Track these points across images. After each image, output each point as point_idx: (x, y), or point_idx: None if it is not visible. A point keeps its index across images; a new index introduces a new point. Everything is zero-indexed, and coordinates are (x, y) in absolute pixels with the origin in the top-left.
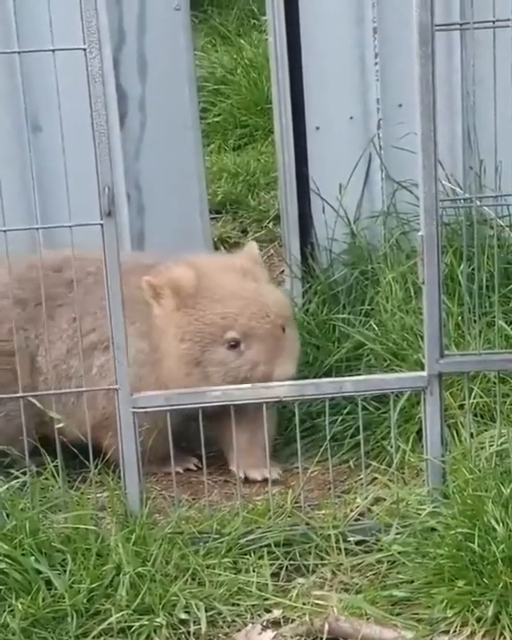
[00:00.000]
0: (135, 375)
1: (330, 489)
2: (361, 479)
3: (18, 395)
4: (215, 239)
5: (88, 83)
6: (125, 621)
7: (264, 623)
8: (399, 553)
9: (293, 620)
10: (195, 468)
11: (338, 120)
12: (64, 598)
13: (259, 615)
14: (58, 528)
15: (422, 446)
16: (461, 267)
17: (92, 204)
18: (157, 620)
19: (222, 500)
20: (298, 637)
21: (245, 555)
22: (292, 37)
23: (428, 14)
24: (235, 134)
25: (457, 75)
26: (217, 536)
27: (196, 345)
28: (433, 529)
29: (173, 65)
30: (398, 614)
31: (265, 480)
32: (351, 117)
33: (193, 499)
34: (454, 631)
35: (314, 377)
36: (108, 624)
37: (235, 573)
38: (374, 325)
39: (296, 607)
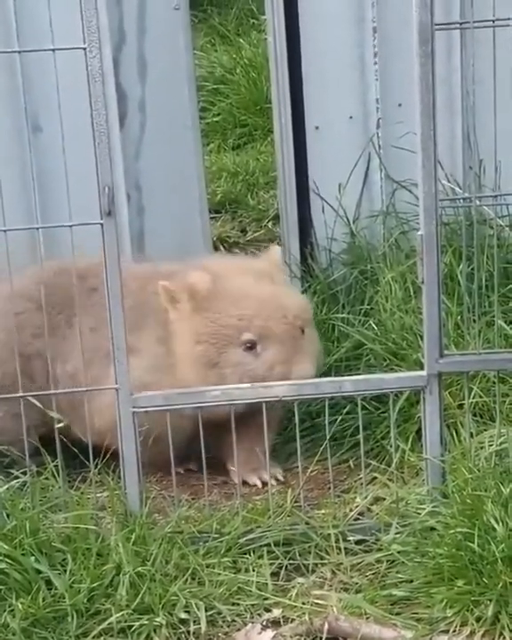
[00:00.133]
0: (152, 381)
1: (329, 488)
2: (360, 479)
3: (18, 395)
4: (214, 239)
5: (88, 82)
6: (125, 621)
7: (264, 623)
8: (399, 552)
9: (293, 620)
10: (194, 469)
11: (337, 120)
12: (64, 598)
13: (258, 615)
14: (58, 528)
15: (422, 446)
16: (461, 266)
17: (92, 203)
18: (157, 619)
19: (222, 499)
20: (297, 637)
21: (245, 554)
22: (292, 37)
23: (428, 14)
24: (234, 134)
25: (457, 74)
26: (217, 536)
27: (212, 347)
28: (432, 528)
29: (173, 65)
30: (398, 614)
31: (265, 484)
32: (351, 117)
33: (192, 498)
34: (454, 631)
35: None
36: (108, 624)
37: (234, 573)
38: (374, 325)
39: (296, 607)
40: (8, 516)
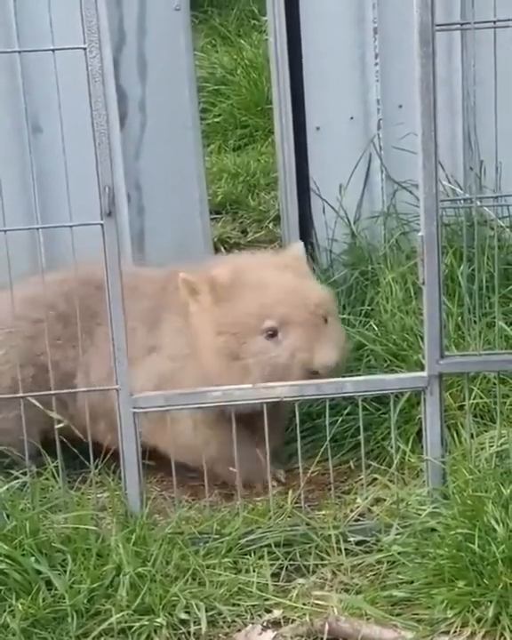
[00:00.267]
0: (174, 372)
1: (330, 489)
2: (361, 479)
3: (18, 395)
4: (215, 240)
5: (88, 83)
6: (126, 622)
7: (264, 623)
8: (399, 553)
9: (293, 621)
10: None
11: (338, 120)
12: (64, 599)
13: (259, 615)
14: (58, 528)
15: (422, 447)
16: (461, 267)
17: (92, 204)
18: (158, 620)
19: (222, 500)
20: (298, 638)
21: (245, 555)
22: (293, 38)
23: (429, 14)
24: (235, 135)
25: (457, 75)
26: (217, 536)
27: (234, 337)
28: (433, 529)
29: (173, 65)
30: (398, 615)
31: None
32: (351, 118)
33: (193, 499)
34: (454, 632)
35: None
36: (109, 624)
37: (235, 573)
38: (374, 326)
39: (296, 607)
40: (8, 516)
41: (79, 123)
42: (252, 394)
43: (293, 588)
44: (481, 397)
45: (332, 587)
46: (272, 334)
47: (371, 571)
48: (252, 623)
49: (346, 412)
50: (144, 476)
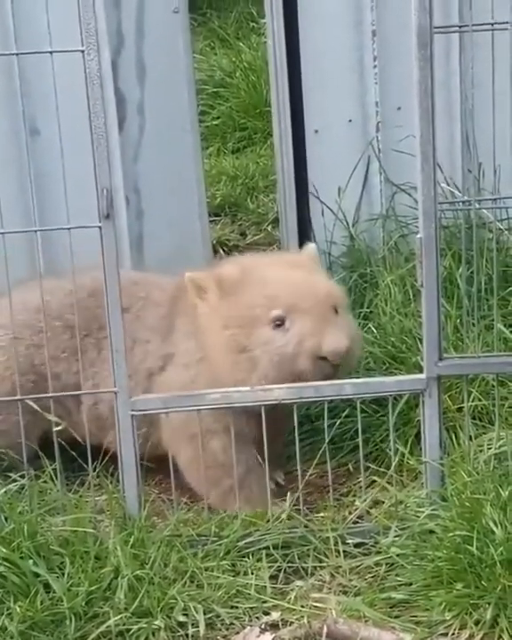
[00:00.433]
0: (188, 378)
1: (328, 492)
2: (360, 482)
3: (16, 398)
4: (214, 242)
5: (86, 85)
6: (124, 624)
7: (262, 626)
8: (398, 555)
9: (292, 623)
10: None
11: (337, 123)
12: (62, 601)
13: (257, 618)
14: (56, 531)
15: (421, 449)
16: (460, 270)
17: (90, 206)
18: (156, 622)
19: None
20: None
21: (244, 557)
22: (291, 40)
23: (427, 17)
24: (234, 137)
25: (456, 78)
26: (215, 539)
27: (241, 330)
28: (431, 531)
29: (172, 68)
30: (397, 617)
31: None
32: (350, 120)
33: (191, 501)
34: (453, 634)
35: None
36: (107, 627)
37: (233, 576)
38: (373, 328)
39: (294, 610)
40: (6, 519)
41: (77, 125)
42: (251, 396)
43: (292, 590)
44: (479, 399)
45: (330, 589)
46: (279, 324)
47: (369, 573)
48: (251, 625)
49: (344, 414)
50: (142, 478)
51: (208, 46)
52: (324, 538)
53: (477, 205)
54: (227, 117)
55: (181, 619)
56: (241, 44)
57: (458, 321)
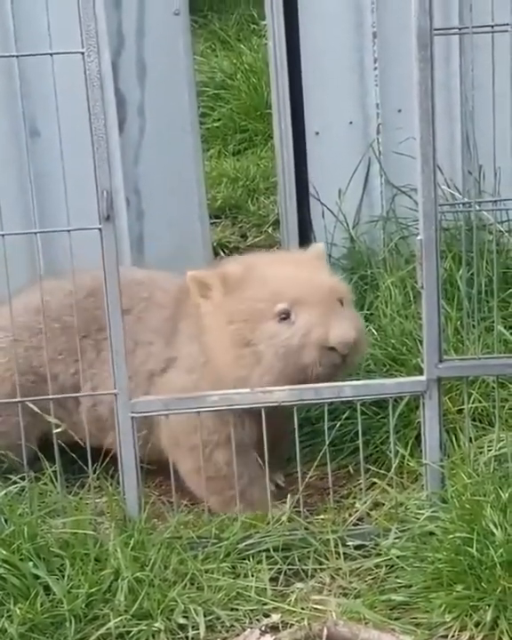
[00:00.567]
0: (191, 382)
1: (329, 494)
2: (360, 484)
3: (15, 400)
4: (215, 244)
5: (86, 86)
6: (124, 626)
7: (262, 628)
8: (398, 557)
9: (292, 625)
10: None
11: (337, 125)
12: (62, 603)
13: (257, 620)
14: (56, 533)
15: (421, 451)
16: (460, 271)
17: (90, 208)
18: (156, 625)
19: None
20: None
21: (244, 559)
22: (292, 42)
23: (427, 19)
24: (234, 139)
25: (456, 79)
26: (216, 541)
27: (246, 324)
28: (431, 533)
29: (173, 69)
30: (397, 619)
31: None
32: (350, 122)
33: (192, 503)
34: (453, 636)
35: None
36: (107, 629)
37: (233, 578)
38: (373, 330)
39: (295, 612)
40: (6, 521)
41: (77, 126)
42: (251, 398)
43: (292, 592)
44: (480, 401)
45: (330, 591)
46: (284, 317)
47: (369, 575)
48: (251, 628)
49: (345, 416)
50: (142, 480)
51: (209, 48)
52: (324, 540)
53: (478, 207)
54: (227, 119)
55: (181, 621)
56: (242, 45)
57: (458, 323)
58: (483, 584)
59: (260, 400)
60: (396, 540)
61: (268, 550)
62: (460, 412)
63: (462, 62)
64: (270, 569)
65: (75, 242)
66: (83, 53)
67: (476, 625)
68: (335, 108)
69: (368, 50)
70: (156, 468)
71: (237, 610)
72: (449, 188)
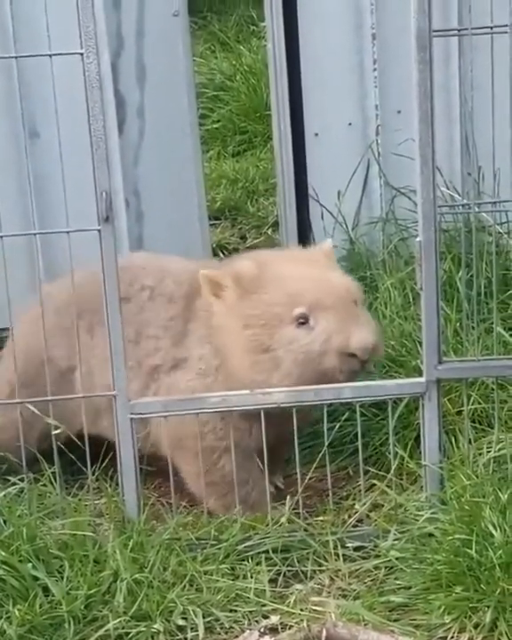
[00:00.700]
0: (202, 387)
1: (328, 495)
2: (359, 485)
3: (15, 401)
4: (214, 245)
5: (85, 88)
6: (123, 628)
7: (262, 629)
8: (397, 559)
9: (291, 627)
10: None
11: (336, 126)
12: (61, 605)
13: (256, 621)
14: (55, 534)
15: (420, 452)
16: (460, 273)
17: (89, 209)
18: (155, 626)
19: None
20: None
21: (243, 561)
22: (291, 43)
23: (426, 20)
24: (234, 141)
25: (455, 81)
26: (215, 542)
27: (262, 329)
28: (431, 535)
29: (172, 71)
30: (396, 620)
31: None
32: (350, 124)
33: (191, 505)
34: (452, 637)
35: None
36: (106, 631)
37: (232, 579)
38: None
39: (294, 613)
40: (5, 522)
41: (77, 128)
42: (251, 399)
43: (291, 593)
44: (479, 403)
45: (329, 592)
46: (303, 322)
47: (368, 576)
48: (250, 629)
49: (344, 417)
50: (141, 481)
51: (208, 49)
52: (323, 541)
53: (477, 209)
54: (227, 121)
55: (180, 622)
56: (241, 47)
57: (457, 324)
58: (482, 585)
59: (260, 401)
60: (396, 542)
61: (267, 552)
62: (459, 413)
63: (461, 64)
64: (269, 570)
65: (74, 243)
66: (82, 54)
67: (476, 626)
68: (334, 110)
69: (367, 51)
70: (155, 470)
71: (236, 611)
72: (448, 189)
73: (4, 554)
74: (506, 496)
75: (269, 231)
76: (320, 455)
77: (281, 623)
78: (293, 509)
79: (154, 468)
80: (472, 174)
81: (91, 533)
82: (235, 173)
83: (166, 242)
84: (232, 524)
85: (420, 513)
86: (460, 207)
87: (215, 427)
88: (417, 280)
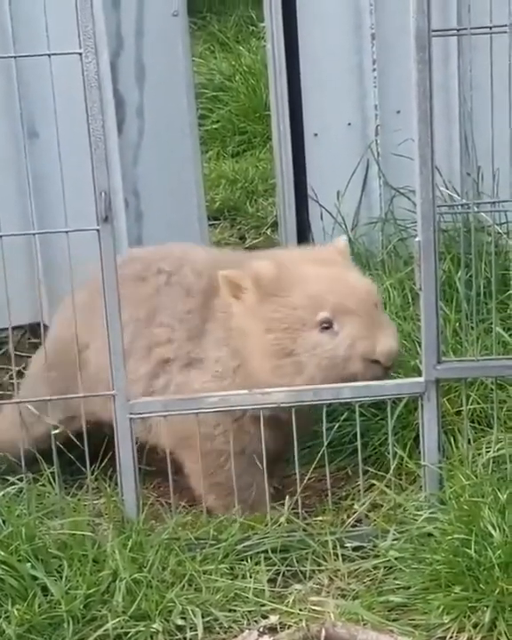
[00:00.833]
0: (217, 389)
1: (327, 495)
2: (358, 485)
3: (14, 401)
4: (213, 246)
5: (84, 88)
6: (122, 628)
7: (261, 629)
8: (396, 559)
9: (290, 626)
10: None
11: (336, 127)
12: (60, 604)
13: (255, 621)
14: (54, 534)
15: (419, 452)
16: (459, 273)
17: (88, 209)
18: (154, 626)
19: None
20: None
21: (242, 561)
22: (291, 43)
23: (425, 20)
24: (233, 141)
25: (454, 81)
26: (214, 542)
27: (285, 333)
28: (430, 535)
29: (171, 71)
30: (395, 620)
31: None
32: (349, 124)
33: (190, 505)
34: (451, 637)
35: None
36: (105, 630)
37: (231, 579)
38: None
39: (293, 613)
40: (4, 522)
41: (76, 128)
42: (250, 399)
43: (290, 593)
44: (478, 403)
45: (328, 592)
46: (327, 326)
47: (367, 576)
48: (249, 629)
49: (343, 417)
50: (141, 481)
51: (207, 50)
52: (322, 541)
53: (476, 209)
54: (226, 121)
55: (179, 622)
56: (240, 47)
57: (457, 324)
58: (481, 585)
59: (259, 401)
60: (395, 542)
61: (266, 551)
62: (458, 413)
63: (460, 63)
64: (268, 570)
65: (73, 243)
66: (81, 54)
67: (475, 626)
68: (334, 110)
69: (367, 51)
70: (154, 470)
71: (235, 611)
72: (447, 189)
73: (3, 553)
74: (505, 496)
75: (268, 231)
76: (319, 455)
77: (280, 623)
78: (292, 509)
79: (153, 467)
80: (471, 174)
81: (90, 533)
82: (234, 174)
83: (165, 241)
84: (231, 523)
85: (419, 513)
86: (460, 207)
87: (226, 430)
88: (416, 280)
